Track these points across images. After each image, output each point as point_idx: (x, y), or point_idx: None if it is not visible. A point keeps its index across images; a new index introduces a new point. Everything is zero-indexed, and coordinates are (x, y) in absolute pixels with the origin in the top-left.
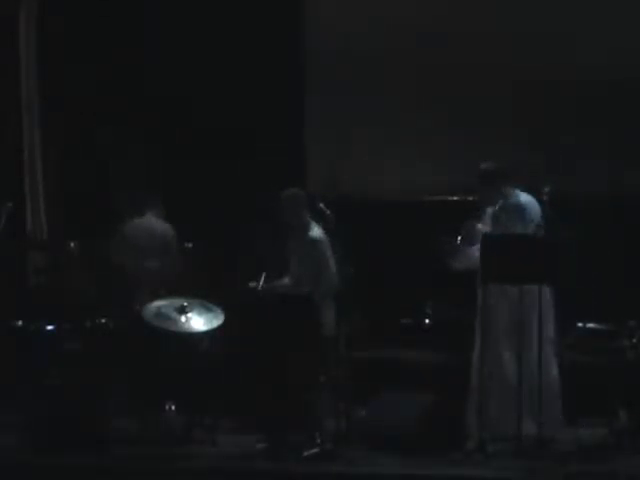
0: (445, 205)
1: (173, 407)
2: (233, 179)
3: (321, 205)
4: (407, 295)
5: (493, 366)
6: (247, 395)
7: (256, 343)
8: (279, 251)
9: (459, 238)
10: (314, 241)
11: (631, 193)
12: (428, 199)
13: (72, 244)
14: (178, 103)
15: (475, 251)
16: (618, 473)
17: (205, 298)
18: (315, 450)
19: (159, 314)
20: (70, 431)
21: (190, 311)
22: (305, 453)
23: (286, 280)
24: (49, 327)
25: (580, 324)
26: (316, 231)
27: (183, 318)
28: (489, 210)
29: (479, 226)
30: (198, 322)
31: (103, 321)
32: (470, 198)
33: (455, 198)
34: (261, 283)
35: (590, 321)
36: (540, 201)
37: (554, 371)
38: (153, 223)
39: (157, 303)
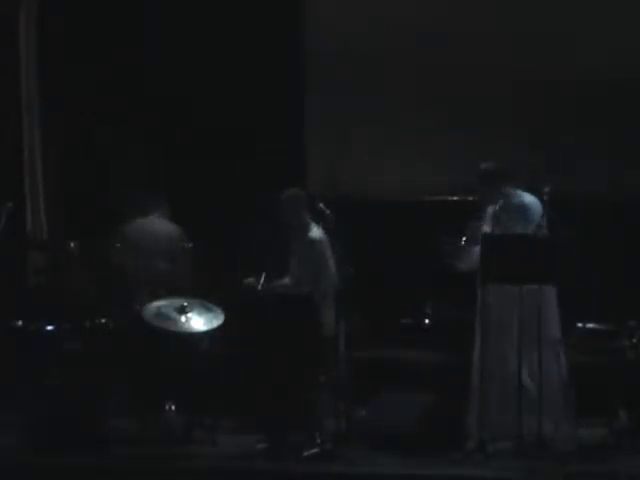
0: (445, 205)
1: (173, 407)
2: (233, 179)
3: (321, 205)
4: (407, 295)
5: (494, 366)
6: (247, 395)
7: (256, 343)
8: (279, 251)
9: (464, 239)
10: (314, 241)
11: (631, 193)
12: (428, 199)
13: (72, 244)
14: (178, 103)
15: (479, 251)
16: (618, 473)
17: (205, 298)
18: (315, 450)
19: (159, 314)
20: (70, 431)
21: (190, 311)
22: (305, 453)
23: (286, 280)
24: (49, 327)
25: (580, 324)
26: (316, 231)
27: (183, 318)
28: (489, 210)
29: (485, 227)
30: (198, 322)
31: (103, 321)
32: (470, 198)
33: (455, 198)
34: (261, 283)
35: (590, 321)
36: (540, 201)
37: (562, 371)
38: (157, 225)
39: (157, 303)
